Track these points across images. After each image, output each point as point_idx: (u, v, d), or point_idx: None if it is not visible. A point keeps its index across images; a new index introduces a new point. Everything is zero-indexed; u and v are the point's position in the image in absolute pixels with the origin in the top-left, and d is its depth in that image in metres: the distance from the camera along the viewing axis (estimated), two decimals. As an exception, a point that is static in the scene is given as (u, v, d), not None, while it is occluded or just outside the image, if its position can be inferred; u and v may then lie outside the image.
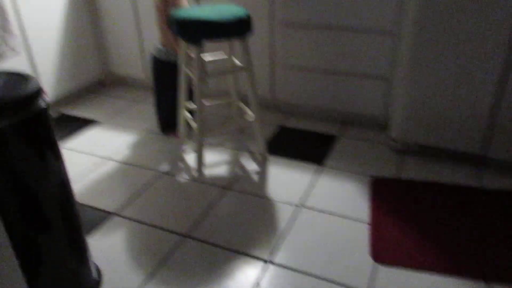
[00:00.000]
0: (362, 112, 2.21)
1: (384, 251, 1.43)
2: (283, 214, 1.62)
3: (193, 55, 1.75)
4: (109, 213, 1.64)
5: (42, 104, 1.00)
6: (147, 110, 2.50)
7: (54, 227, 1.12)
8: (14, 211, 1.01)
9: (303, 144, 2.11)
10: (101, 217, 1.62)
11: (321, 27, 2.11)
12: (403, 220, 1.56)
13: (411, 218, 1.57)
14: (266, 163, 1.94)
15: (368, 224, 1.56)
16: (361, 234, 1.51)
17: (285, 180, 1.82)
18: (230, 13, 1.68)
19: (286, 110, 2.46)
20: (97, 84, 2.86)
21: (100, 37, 2.74)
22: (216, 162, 1.96)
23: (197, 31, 1.64)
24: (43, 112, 1.02)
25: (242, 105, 2.10)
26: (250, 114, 1.93)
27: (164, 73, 2.08)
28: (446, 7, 1.64)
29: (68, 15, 2.45)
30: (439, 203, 1.65)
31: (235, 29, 1.68)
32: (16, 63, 2.17)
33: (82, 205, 1.69)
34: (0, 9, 2.01)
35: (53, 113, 2.47)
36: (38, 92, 0.99)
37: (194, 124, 1.87)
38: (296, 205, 1.66)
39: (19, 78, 1.03)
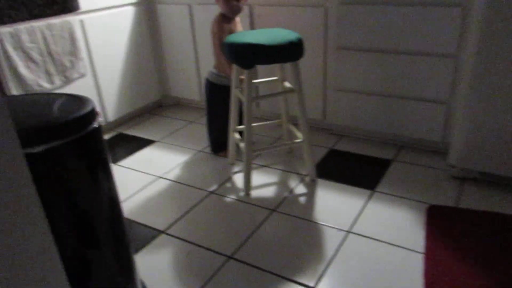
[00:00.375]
0: (419, 137, 2.11)
1: (438, 284, 1.33)
2: (332, 239, 1.56)
3: (244, 78, 1.78)
4: (157, 230, 1.68)
5: (95, 124, 1.06)
6: (200, 131, 2.56)
7: (103, 243, 1.16)
8: (65, 227, 1.06)
9: (354, 168, 2.05)
10: (149, 234, 1.67)
11: (376, 51, 2.06)
12: (460, 252, 1.45)
13: (470, 250, 1.45)
14: (315, 186, 1.90)
15: (423, 254, 1.46)
16: (414, 265, 1.42)
17: (335, 205, 1.76)
18: (281, 38, 1.69)
19: (338, 132, 2.41)
20: (155, 105, 2.99)
21: (160, 61, 2.88)
22: (264, 183, 1.96)
23: (248, 56, 1.67)
24: (96, 132, 1.07)
25: (292, 127, 2.09)
26: (299, 136, 1.92)
27: (217, 96, 2.13)
28: (510, 27, 1.54)
29: (132, 41, 2.61)
30: (501, 236, 1.51)
31: (286, 53, 1.69)
32: (82, 85, 2.34)
33: (132, 222, 1.74)
34: (71, 36, 2.18)
35: (111, 132, 2.62)
36: (92, 113, 1.05)
37: (243, 145, 1.88)
38: (346, 231, 1.60)
39: (75, 99, 1.10)
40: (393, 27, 1.97)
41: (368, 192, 1.84)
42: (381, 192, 1.83)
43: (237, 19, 2.10)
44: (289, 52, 1.69)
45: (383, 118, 2.17)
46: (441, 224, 1.59)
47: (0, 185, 0.67)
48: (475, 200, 1.73)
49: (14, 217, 0.65)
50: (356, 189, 1.87)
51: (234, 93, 1.94)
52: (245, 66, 1.71)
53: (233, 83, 1.92)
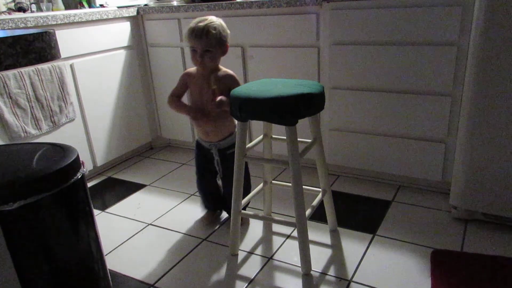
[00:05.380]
0: (418, 176, 2.06)
1: None
2: (332, 290, 1.47)
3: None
4: (145, 284, 1.57)
5: (78, 176, 0.99)
6: (193, 173, 2.48)
7: (84, 304, 1.06)
8: (42, 281, 0.97)
9: (353, 210, 1.97)
10: (136, 286, 1.56)
11: (371, 90, 2.04)
12: (472, 303, 1.35)
13: (482, 301, 1.36)
14: (311, 231, 1.82)
15: (430, 306, 1.37)
16: (423, 319, 1.32)
17: (334, 251, 1.68)
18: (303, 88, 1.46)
19: (334, 172, 2.35)
20: (145, 148, 2.93)
21: (151, 103, 2.85)
22: (257, 233, 1.87)
23: (298, 109, 1.41)
24: (79, 184, 1.00)
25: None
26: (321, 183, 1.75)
27: (198, 155, 1.88)
28: (504, 67, 1.53)
29: (122, 83, 2.58)
30: (506, 281, 1.42)
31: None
32: (71, 130, 2.28)
33: (118, 275, 1.63)
34: (60, 81, 2.14)
35: (100, 177, 2.53)
36: (75, 163, 0.98)
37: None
38: (347, 280, 1.51)
39: (58, 149, 1.03)
40: (387, 67, 1.96)
41: (369, 236, 1.76)
42: (382, 236, 1.75)
43: (224, 74, 1.69)
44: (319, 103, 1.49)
45: (379, 157, 2.13)
46: (447, 271, 1.50)
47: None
48: (479, 243, 1.66)
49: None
50: (356, 233, 1.78)
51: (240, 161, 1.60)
52: (291, 122, 1.43)
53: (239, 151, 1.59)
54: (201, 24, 1.54)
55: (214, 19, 1.58)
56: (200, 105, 1.70)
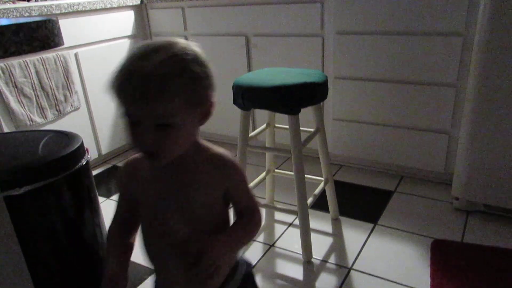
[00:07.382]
0: (421, 167, 2.06)
1: (449, 328, 1.24)
2: (333, 278, 1.49)
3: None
4: (150, 269, 1.60)
5: (82, 162, 1.01)
6: (196, 163, 2.50)
7: (88, 283, 1.09)
8: (48, 264, 0.99)
9: (355, 200, 1.98)
10: (142, 273, 1.58)
11: (375, 80, 2.04)
12: (471, 292, 1.37)
13: (481, 290, 1.37)
14: (313, 219, 1.83)
15: (430, 294, 1.39)
16: (422, 306, 1.34)
17: (335, 239, 1.69)
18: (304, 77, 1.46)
19: (337, 162, 2.36)
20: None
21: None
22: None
23: (301, 97, 1.42)
24: (84, 170, 1.02)
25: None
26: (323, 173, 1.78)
27: None
28: (510, 58, 1.52)
29: (126, 73, 2.59)
30: (506, 273, 1.43)
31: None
32: (76, 119, 2.30)
33: (126, 260, 1.66)
34: (65, 70, 2.16)
35: (105, 166, 2.56)
36: (79, 150, 1.00)
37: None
38: (347, 268, 1.53)
39: (63, 136, 1.05)
40: (391, 57, 1.95)
41: (370, 225, 1.77)
42: (383, 226, 1.76)
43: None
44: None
45: (383, 148, 2.13)
46: (446, 261, 1.51)
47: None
48: (480, 234, 1.67)
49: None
50: (357, 222, 1.80)
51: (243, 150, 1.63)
52: (293, 111, 1.44)
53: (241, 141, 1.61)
54: (147, 62, 0.70)
55: (178, 46, 0.71)
56: (156, 234, 0.84)
